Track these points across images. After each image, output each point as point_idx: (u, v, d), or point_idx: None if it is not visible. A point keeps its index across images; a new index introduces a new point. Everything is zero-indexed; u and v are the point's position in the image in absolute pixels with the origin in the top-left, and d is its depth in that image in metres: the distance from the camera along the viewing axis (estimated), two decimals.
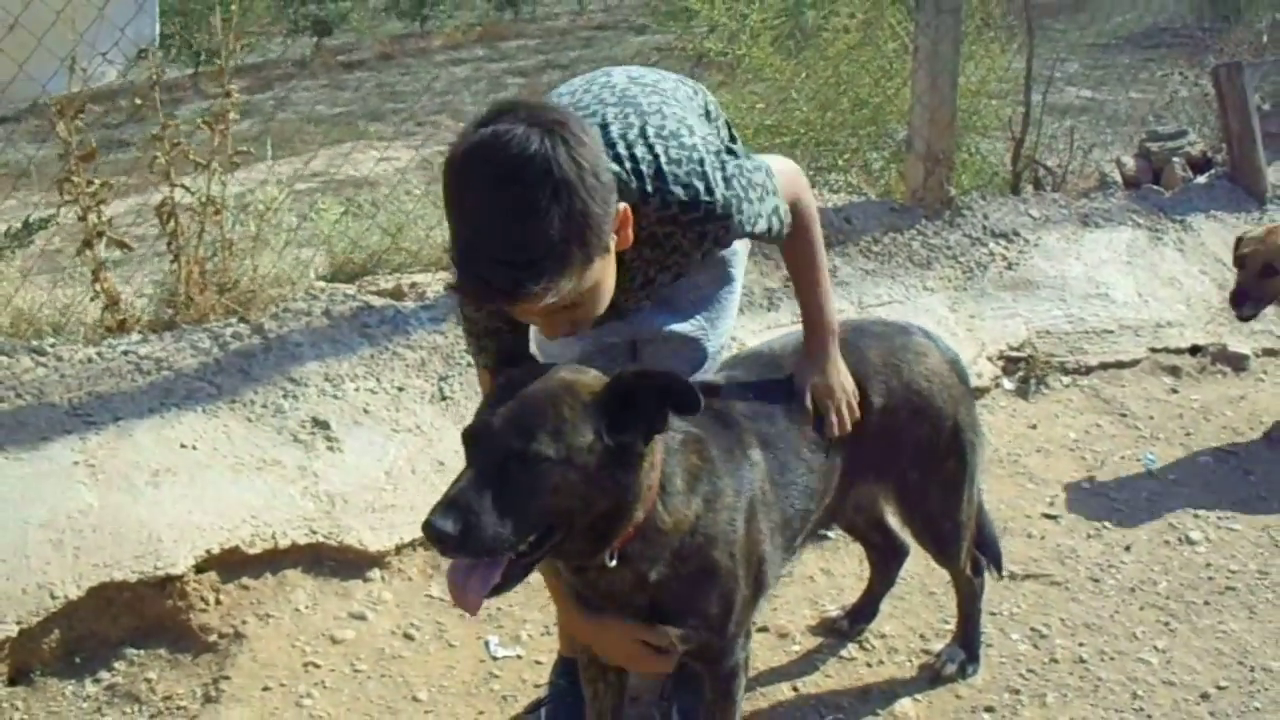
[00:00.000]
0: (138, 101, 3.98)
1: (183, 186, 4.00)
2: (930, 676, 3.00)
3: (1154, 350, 4.68)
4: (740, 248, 2.59)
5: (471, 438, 1.99)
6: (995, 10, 5.39)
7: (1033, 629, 3.20)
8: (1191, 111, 6.25)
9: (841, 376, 2.50)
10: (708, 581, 2.20)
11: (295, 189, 4.60)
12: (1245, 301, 4.12)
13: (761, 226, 2.28)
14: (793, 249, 2.50)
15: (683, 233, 2.19)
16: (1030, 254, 4.90)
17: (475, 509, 1.89)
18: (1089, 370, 4.44)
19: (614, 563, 2.10)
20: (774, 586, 2.50)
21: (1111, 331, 4.56)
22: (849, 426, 2.49)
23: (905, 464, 2.71)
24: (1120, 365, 4.58)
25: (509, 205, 1.85)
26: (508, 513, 1.91)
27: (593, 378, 2.06)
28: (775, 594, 3.18)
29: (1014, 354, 4.51)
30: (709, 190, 2.15)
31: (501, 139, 1.85)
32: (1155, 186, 5.38)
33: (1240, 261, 4.16)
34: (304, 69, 14.50)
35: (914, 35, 4.82)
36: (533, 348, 2.40)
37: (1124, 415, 4.26)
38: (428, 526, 1.88)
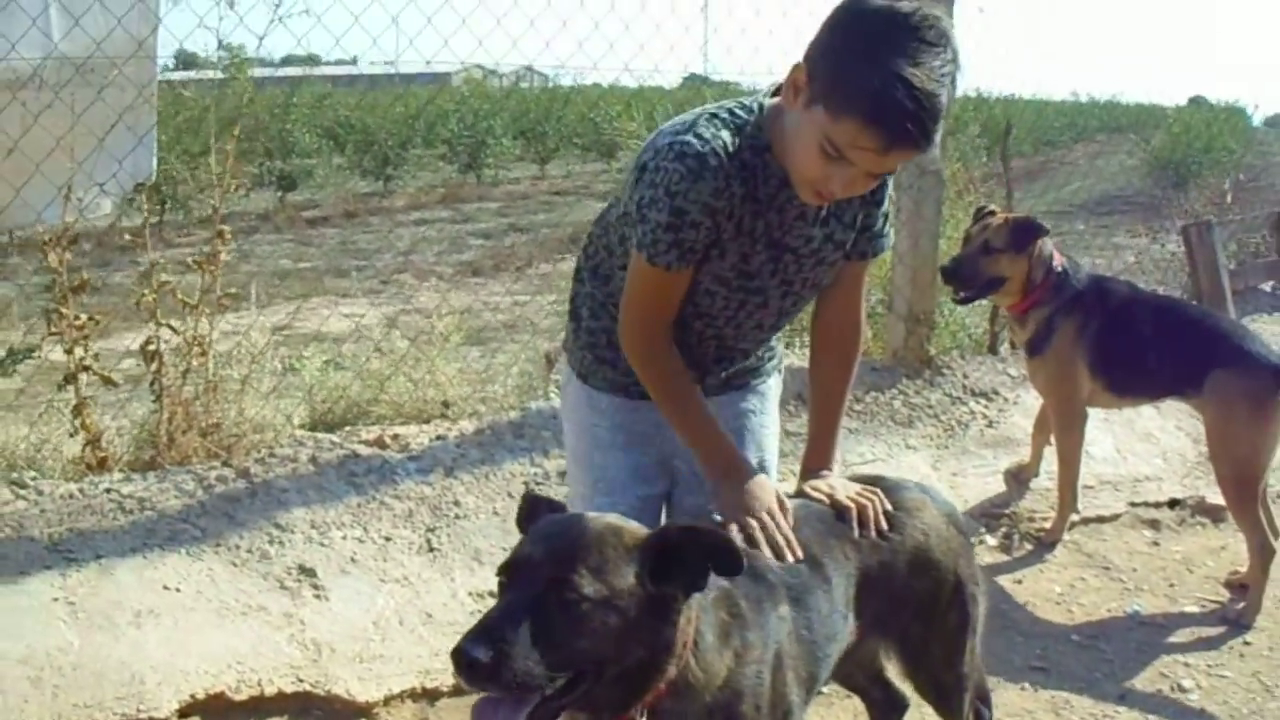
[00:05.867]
0: (127, 237, 3.97)
1: (169, 326, 3.98)
2: None
3: (1134, 504, 4.70)
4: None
5: (510, 569, 1.93)
6: (975, 174, 5.54)
7: None
8: (1155, 273, 6.45)
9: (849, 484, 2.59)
10: None
11: (251, 339, 4.62)
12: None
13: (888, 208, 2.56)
14: (845, 363, 2.69)
15: None
16: (1010, 412, 4.96)
17: (509, 639, 1.81)
18: (1071, 525, 4.45)
19: (644, 719, 2.03)
20: None
21: (1091, 487, 4.58)
22: (880, 518, 2.51)
23: (908, 618, 2.67)
24: (1101, 520, 4.59)
25: (946, 71, 2.10)
26: (541, 648, 1.83)
27: (637, 527, 2.03)
28: None
29: (996, 510, 4.53)
30: None
31: (929, 13, 2.10)
32: None
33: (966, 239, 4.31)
34: (267, 222, 14.63)
35: (896, 196, 4.95)
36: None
37: (1107, 568, 4.26)
38: (458, 652, 1.79)
